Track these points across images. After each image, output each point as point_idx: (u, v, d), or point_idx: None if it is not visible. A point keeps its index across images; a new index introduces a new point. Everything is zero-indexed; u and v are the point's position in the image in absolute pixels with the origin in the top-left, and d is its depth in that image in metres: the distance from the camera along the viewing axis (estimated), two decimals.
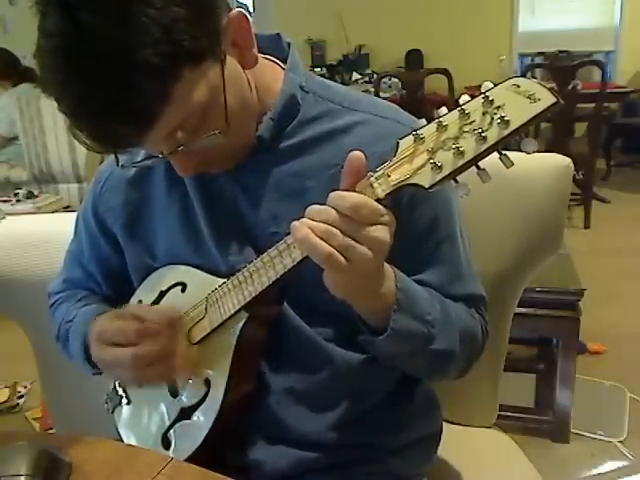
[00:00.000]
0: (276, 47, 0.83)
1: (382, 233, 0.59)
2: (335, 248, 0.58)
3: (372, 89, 4.37)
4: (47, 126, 3.36)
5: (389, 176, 0.59)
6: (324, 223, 0.59)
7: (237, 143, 0.75)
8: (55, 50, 0.59)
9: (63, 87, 0.61)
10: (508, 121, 0.52)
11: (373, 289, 0.66)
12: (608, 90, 3.80)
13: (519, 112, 0.51)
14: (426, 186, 0.57)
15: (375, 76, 5.10)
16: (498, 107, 0.52)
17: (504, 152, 0.54)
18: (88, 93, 0.60)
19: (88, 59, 0.58)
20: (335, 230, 0.58)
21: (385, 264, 0.67)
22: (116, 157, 0.75)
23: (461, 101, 0.55)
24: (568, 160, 0.99)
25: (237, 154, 0.78)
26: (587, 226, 3.84)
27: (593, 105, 3.67)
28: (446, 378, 0.84)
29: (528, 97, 0.51)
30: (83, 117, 0.62)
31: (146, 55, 0.57)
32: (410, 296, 0.71)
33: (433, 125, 0.56)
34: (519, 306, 1.08)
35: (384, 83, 4.60)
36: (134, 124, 0.62)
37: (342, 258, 0.59)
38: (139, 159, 0.78)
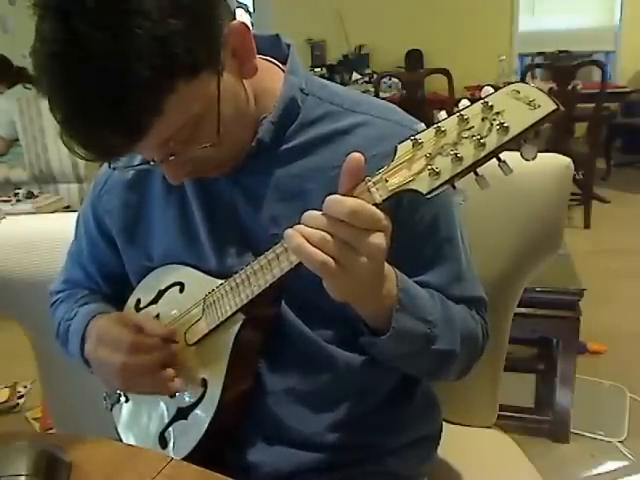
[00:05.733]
0: (275, 48, 0.83)
1: (379, 240, 0.59)
2: (330, 255, 0.58)
3: (372, 89, 4.36)
4: (47, 126, 3.37)
5: (387, 181, 0.59)
6: (319, 229, 0.58)
7: (228, 153, 0.75)
8: (50, 56, 0.59)
9: (56, 91, 0.61)
10: (507, 127, 0.51)
11: (373, 292, 0.66)
12: (608, 90, 3.81)
13: (519, 118, 0.51)
14: (424, 192, 0.56)
15: (375, 76, 5.10)
16: (497, 113, 0.52)
17: (503, 159, 0.54)
18: (79, 101, 0.60)
19: (82, 68, 0.58)
20: (329, 237, 0.58)
21: (386, 265, 0.67)
22: (109, 162, 0.75)
23: (460, 106, 0.55)
24: (568, 160, 0.99)
25: (229, 161, 0.77)
26: (587, 226, 3.84)
27: (593, 105, 3.67)
28: (446, 379, 0.84)
29: (528, 103, 0.51)
30: (74, 124, 0.62)
31: (139, 68, 0.57)
32: (411, 296, 0.71)
33: (432, 130, 0.56)
34: (519, 306, 1.07)
35: (384, 83, 4.59)
36: (125, 135, 0.62)
37: (336, 266, 0.58)
38: (135, 163, 0.78)
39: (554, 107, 0.50)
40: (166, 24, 0.58)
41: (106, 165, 0.92)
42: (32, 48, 0.61)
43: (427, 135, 0.56)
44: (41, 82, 0.62)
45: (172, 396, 0.83)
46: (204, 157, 0.70)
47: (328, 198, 0.59)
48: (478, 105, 0.53)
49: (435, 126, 0.55)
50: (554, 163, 0.99)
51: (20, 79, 3.63)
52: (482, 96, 0.54)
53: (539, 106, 0.50)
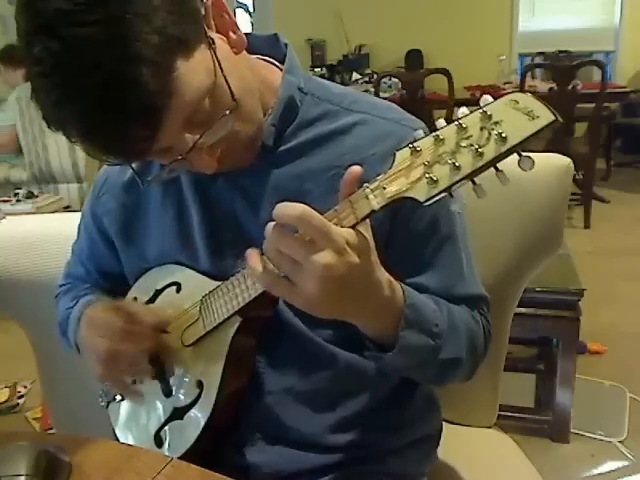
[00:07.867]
0: (273, 48, 0.83)
1: (324, 259, 0.56)
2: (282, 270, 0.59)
3: (372, 89, 4.36)
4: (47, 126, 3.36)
5: (385, 188, 0.58)
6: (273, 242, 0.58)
7: (250, 129, 0.73)
8: (47, 72, 0.58)
9: (64, 106, 0.60)
10: (505, 138, 0.51)
11: (349, 309, 0.64)
12: (608, 90, 3.80)
13: (517, 129, 0.51)
14: (421, 200, 0.56)
15: (375, 76, 5.09)
16: (496, 123, 0.52)
17: (501, 169, 0.53)
18: (90, 103, 0.59)
19: (80, 69, 0.57)
20: (281, 252, 0.58)
21: (392, 280, 0.66)
22: (137, 175, 0.74)
23: (459, 114, 0.55)
24: (568, 160, 0.99)
25: (253, 143, 0.76)
26: (587, 226, 3.84)
27: (593, 105, 3.67)
28: (452, 383, 0.84)
29: (527, 114, 0.50)
30: (92, 130, 0.61)
31: (136, 48, 0.57)
32: (417, 311, 0.70)
33: (430, 138, 0.55)
34: (519, 306, 1.07)
35: (384, 83, 4.59)
36: (144, 124, 0.60)
37: (285, 282, 0.59)
38: (163, 174, 0.74)
39: (553, 118, 0.50)
40: (147, 2, 0.58)
41: (105, 166, 0.93)
42: (31, 82, 0.61)
43: (426, 143, 0.55)
44: (48, 106, 0.61)
45: (168, 395, 0.83)
46: (229, 136, 0.68)
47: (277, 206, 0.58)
48: (477, 114, 0.53)
49: (434, 134, 0.55)
50: (554, 163, 0.99)
51: None
52: (481, 105, 0.53)
53: (538, 117, 0.50)
